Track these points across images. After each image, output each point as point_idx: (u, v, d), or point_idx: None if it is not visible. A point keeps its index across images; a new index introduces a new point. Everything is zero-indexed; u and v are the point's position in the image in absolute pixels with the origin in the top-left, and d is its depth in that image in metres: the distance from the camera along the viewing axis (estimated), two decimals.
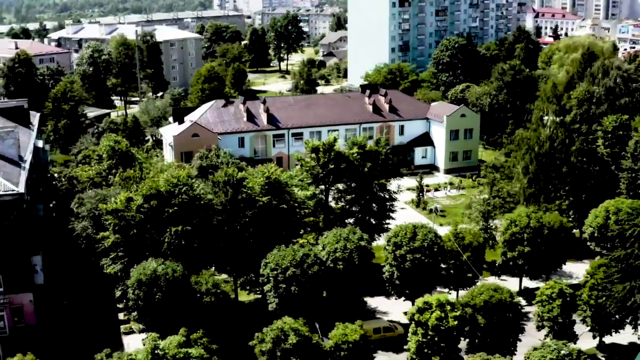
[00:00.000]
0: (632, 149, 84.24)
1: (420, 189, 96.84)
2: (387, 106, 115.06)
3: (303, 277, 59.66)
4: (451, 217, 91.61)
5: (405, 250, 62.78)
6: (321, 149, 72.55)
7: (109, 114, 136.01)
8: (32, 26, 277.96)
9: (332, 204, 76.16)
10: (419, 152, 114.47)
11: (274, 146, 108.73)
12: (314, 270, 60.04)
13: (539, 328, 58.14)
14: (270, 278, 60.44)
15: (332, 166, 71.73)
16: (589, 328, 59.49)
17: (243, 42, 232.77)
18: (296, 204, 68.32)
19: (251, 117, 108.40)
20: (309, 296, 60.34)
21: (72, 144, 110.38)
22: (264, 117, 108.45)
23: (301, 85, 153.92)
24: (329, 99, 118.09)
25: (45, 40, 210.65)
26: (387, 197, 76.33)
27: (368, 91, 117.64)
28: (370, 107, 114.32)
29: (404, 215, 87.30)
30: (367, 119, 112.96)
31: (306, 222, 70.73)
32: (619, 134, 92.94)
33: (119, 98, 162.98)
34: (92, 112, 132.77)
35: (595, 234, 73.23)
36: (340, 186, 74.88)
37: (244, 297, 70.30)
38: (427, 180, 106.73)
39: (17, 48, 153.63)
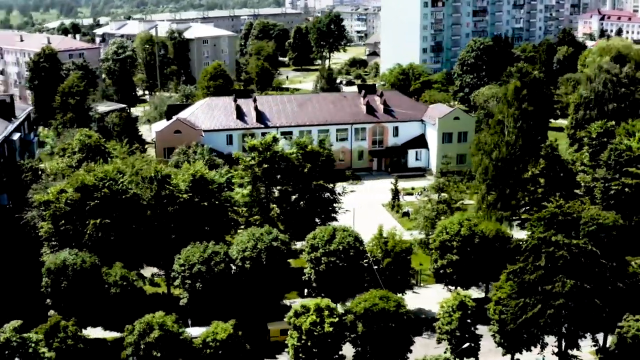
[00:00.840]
0: (606, 157, 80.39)
1: (395, 192, 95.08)
2: (381, 107, 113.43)
3: (209, 274, 59.76)
4: None
5: (320, 253, 62.03)
6: (259, 148, 72.12)
7: (124, 109, 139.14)
8: (87, 22, 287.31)
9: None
10: (412, 154, 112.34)
11: None
12: (220, 268, 60.01)
13: (439, 341, 56.19)
14: (179, 274, 60.88)
15: (267, 165, 71.15)
16: (496, 344, 57.09)
17: (287, 41, 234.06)
18: (227, 203, 68.22)
19: (241, 115, 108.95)
20: (216, 294, 60.37)
21: None
22: (253, 115, 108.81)
23: (322, 85, 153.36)
24: (324, 99, 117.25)
25: (97, 36, 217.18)
26: (331, 198, 75.37)
27: (363, 91, 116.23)
28: (364, 108, 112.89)
29: (377, 218, 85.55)
30: (358, 120, 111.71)
31: (237, 220, 70.54)
32: (602, 141, 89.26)
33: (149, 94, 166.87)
34: (107, 107, 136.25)
35: None
36: (281, 187, 74.33)
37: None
38: (417, 183, 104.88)
39: (49, 43, 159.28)
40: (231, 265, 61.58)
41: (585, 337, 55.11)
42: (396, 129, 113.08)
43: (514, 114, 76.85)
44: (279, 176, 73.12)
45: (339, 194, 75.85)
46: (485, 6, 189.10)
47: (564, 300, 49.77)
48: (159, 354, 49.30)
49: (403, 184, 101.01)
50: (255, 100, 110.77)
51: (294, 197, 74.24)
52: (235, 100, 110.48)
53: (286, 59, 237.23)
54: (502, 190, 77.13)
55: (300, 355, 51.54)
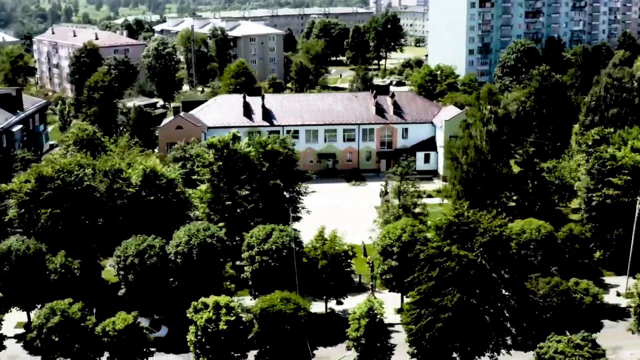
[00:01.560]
0: (590, 166, 77.10)
1: (384, 194, 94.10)
2: (391, 108, 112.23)
3: (141, 266, 61.34)
4: None
5: (255, 252, 62.49)
6: (217, 146, 73.01)
7: (155, 104, 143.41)
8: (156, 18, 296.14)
9: None
10: (420, 156, 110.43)
11: None
12: (153, 262, 61.43)
13: (349, 348, 55.58)
14: (116, 264, 62.83)
15: (220, 163, 71.95)
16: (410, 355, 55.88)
17: (345, 40, 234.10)
18: (175, 198, 69.55)
19: (248, 113, 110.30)
20: (149, 286, 61.90)
21: (106, 130, 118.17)
22: (259, 113, 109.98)
23: (357, 85, 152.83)
24: (334, 99, 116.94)
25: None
26: (294, 197, 75.52)
27: (374, 91, 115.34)
28: (374, 109, 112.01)
29: (362, 219, 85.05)
30: (366, 120, 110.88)
31: (189, 215, 71.76)
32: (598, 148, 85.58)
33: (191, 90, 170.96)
34: (140, 102, 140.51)
35: None
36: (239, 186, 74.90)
37: None
38: (424, 186, 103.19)
39: (97, 39, 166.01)
40: (168, 259, 62.76)
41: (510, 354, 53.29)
42: (406, 130, 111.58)
43: (482, 117, 74.94)
44: (243, 176, 73.58)
45: (300, 194, 75.82)
46: (540, 7, 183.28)
47: (450, 314, 48.16)
48: (57, 339, 51.14)
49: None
50: (263, 99, 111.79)
51: (255, 196, 74.65)
52: (244, 98, 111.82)
53: (344, 58, 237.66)
54: (473, 196, 75.19)
55: (197, 351, 52.20)
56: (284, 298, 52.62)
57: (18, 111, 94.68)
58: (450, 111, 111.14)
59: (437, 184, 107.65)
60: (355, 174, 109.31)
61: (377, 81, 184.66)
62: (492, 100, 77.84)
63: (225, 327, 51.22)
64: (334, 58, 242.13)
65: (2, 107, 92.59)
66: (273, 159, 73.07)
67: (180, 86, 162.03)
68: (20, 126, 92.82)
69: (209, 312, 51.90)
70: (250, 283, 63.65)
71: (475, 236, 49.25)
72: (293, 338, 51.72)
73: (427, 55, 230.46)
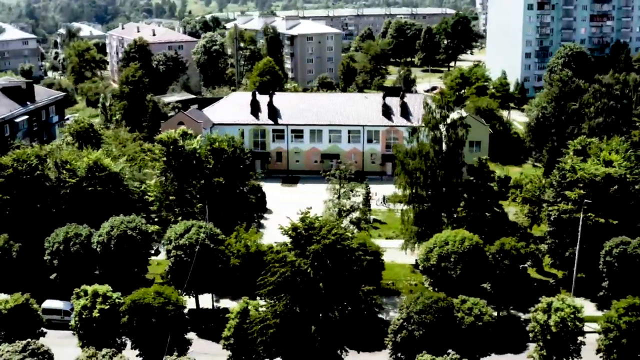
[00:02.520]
0: (557, 177, 73.59)
1: (366, 198, 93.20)
2: (399, 110, 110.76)
3: (65, 253, 64.46)
4: (387, 229, 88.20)
5: (172, 247, 64.13)
6: (166, 141, 74.99)
7: (192, 100, 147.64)
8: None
9: None
10: None
11: (273, 141, 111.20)
12: (75, 249, 64.38)
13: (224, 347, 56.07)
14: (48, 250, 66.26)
15: (165, 159, 73.92)
16: None
17: (417, 41, 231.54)
18: (113, 190, 72.05)
19: (255, 111, 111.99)
20: (74, 273, 64.94)
21: (134, 124, 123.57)
22: (266, 112, 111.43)
23: (398, 85, 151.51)
24: (343, 99, 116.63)
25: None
26: (247, 194, 76.55)
27: (383, 93, 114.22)
28: (381, 110, 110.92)
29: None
30: (371, 122, 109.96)
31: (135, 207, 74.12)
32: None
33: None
34: (179, 97, 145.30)
35: (420, 265, 66.57)
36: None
37: None
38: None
39: (154, 35, 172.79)
40: (91, 248, 65.40)
41: None
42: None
43: (428, 122, 73.27)
44: (191, 173, 75.29)
45: (247, 192, 76.68)
46: (607, 11, 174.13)
47: (277, 320, 47.63)
48: None
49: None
50: (270, 97, 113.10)
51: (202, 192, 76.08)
52: (253, 96, 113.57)
53: (415, 59, 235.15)
54: (421, 204, 73.60)
55: (81, 332, 54.42)
56: (157, 292, 53.81)
57: (28, 103, 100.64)
58: (453, 116, 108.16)
59: None
60: (358, 176, 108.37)
61: (435, 83, 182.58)
62: (446, 104, 75.33)
63: (97, 314, 53.15)
64: (408, 59, 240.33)
65: (12, 98, 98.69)
66: (219, 157, 74.24)
67: (228, 82, 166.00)
68: (25, 117, 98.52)
69: (87, 299, 53.99)
70: (168, 277, 65.24)
71: (312, 243, 48.53)
72: (162, 330, 52.68)
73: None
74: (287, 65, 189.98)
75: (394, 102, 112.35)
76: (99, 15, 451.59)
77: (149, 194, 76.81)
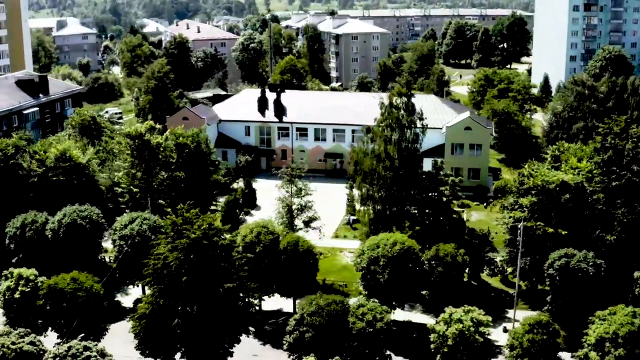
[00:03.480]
0: (517, 183, 71.58)
1: (350, 200, 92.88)
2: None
3: (21, 238, 67.86)
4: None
5: (117, 236, 66.30)
6: (132, 135, 77.02)
7: (226, 96, 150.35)
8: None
9: None
10: (427, 163, 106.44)
11: (278, 138, 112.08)
12: (29, 235, 67.56)
13: None
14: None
15: (128, 151, 76.06)
16: None
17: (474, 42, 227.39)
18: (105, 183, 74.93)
19: (262, 109, 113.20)
20: (30, 257, 68.02)
21: (159, 118, 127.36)
22: (272, 109, 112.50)
23: (432, 86, 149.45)
24: (351, 98, 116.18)
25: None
26: (211, 189, 77.91)
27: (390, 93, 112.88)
28: None
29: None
30: (372, 123, 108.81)
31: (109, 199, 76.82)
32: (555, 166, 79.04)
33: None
34: (209, 93, 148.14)
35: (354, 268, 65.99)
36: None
37: None
38: None
39: (199, 32, 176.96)
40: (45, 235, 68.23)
41: None
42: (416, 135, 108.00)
43: (380, 123, 72.53)
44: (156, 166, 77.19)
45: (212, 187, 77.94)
46: None
47: (178, 319, 48.37)
48: None
49: None
50: (278, 95, 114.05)
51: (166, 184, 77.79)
52: (262, 94, 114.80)
53: (472, 61, 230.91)
54: (375, 205, 72.95)
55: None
56: (73, 278, 55.72)
57: (40, 95, 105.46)
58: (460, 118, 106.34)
59: None
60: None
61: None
62: (406, 105, 74.20)
63: (18, 296, 55.68)
64: (466, 61, 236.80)
65: (25, 90, 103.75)
66: (182, 151, 75.77)
67: (264, 79, 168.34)
68: (35, 109, 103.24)
69: (11, 281, 56.62)
70: (114, 266, 67.29)
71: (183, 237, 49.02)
72: (75, 315, 54.56)
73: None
74: (332, 64, 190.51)
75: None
76: (180, 12, 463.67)
77: (121, 185, 79.11)
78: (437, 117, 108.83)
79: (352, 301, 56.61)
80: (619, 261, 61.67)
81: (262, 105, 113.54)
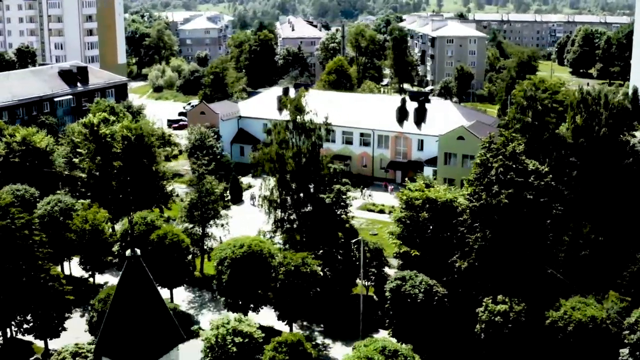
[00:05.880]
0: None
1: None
2: (415, 116, 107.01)
3: None
4: None
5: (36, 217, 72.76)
6: (87, 125, 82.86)
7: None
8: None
9: None
10: (428, 171, 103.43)
11: None
12: None
13: None
14: None
15: (78, 141, 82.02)
16: None
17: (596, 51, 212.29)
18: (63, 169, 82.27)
19: (282, 107, 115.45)
20: None
21: None
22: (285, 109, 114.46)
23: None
24: (364, 100, 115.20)
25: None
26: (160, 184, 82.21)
27: (403, 97, 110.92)
28: (396, 115, 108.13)
29: None
30: (381, 127, 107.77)
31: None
32: None
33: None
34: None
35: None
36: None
37: None
38: None
39: (293, 30, 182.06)
40: None
41: None
42: (421, 142, 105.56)
43: (278, 124, 72.43)
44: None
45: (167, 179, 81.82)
46: None
47: None
48: None
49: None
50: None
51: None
52: (284, 92, 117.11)
53: (593, 71, 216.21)
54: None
55: None
56: None
57: (78, 84, 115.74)
58: (475, 127, 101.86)
59: None
60: (363, 181, 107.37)
61: None
62: (298, 106, 72.98)
63: None
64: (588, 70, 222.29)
65: (63, 80, 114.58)
66: (125, 143, 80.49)
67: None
68: (68, 97, 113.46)
69: None
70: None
71: None
72: None
73: None
74: (428, 67, 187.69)
75: (412, 107, 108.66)
76: (346, 11, 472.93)
77: (78, 171, 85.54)
78: (450, 125, 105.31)
79: None
80: (467, 291, 57.70)
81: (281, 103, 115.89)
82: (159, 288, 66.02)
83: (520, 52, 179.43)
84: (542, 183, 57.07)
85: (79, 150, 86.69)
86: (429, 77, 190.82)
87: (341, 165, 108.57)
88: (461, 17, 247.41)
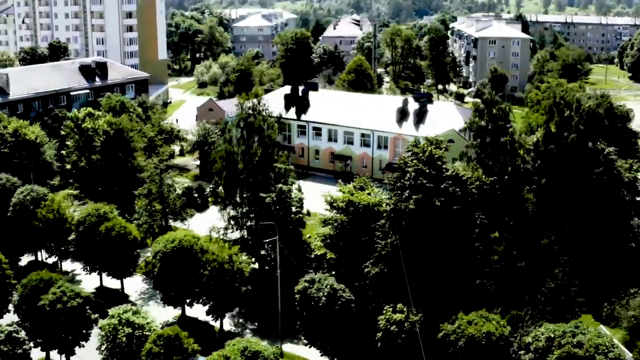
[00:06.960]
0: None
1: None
2: (415, 118, 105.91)
3: None
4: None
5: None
6: (73, 120, 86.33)
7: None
8: None
9: None
10: None
11: (297, 136, 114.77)
12: None
13: None
14: None
15: (64, 133, 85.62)
16: None
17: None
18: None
19: (289, 105, 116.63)
20: None
21: None
22: (293, 108, 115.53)
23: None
24: (367, 101, 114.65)
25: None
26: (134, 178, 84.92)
27: (406, 98, 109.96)
28: (396, 116, 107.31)
29: None
30: (379, 127, 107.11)
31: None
32: None
33: None
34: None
35: None
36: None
37: None
38: None
39: (334, 28, 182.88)
40: None
41: None
42: None
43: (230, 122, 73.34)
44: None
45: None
46: None
47: None
48: None
49: None
50: (304, 93, 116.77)
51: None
52: (292, 91, 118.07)
53: None
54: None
55: None
56: None
57: (97, 79, 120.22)
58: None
59: None
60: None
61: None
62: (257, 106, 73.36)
63: None
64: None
65: (83, 74, 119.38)
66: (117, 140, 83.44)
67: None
68: (85, 91, 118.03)
69: None
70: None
71: None
72: None
73: None
74: (470, 68, 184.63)
75: (413, 109, 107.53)
76: (420, 10, 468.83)
77: (66, 163, 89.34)
78: (446, 127, 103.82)
79: None
80: (376, 297, 57.13)
81: (289, 102, 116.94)
82: (107, 278, 69.52)
83: (565, 55, 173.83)
84: (458, 190, 55.84)
85: (67, 142, 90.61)
86: (471, 79, 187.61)
87: (340, 164, 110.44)
88: (519, 18, 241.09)
